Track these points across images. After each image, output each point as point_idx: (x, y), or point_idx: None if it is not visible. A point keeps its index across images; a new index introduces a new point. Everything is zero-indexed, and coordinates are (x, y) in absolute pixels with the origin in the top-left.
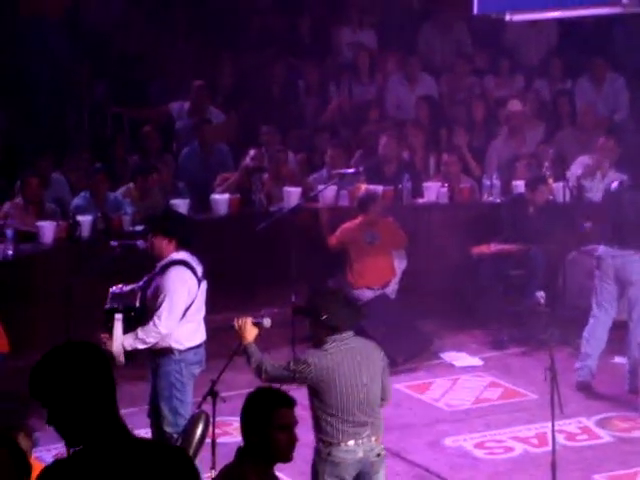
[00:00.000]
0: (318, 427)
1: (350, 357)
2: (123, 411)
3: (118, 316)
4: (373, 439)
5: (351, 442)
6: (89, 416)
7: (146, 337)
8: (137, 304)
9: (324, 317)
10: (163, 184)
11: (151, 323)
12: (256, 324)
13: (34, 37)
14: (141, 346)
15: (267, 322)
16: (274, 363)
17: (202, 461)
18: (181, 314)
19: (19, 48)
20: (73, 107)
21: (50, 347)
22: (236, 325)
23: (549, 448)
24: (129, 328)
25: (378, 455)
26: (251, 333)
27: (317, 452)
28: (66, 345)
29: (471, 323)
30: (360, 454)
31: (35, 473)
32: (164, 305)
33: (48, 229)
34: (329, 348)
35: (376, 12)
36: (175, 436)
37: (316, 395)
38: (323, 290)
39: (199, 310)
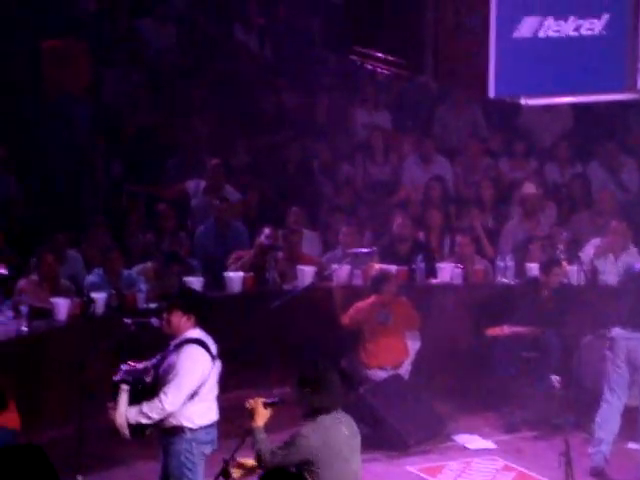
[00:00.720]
0: None
1: (340, 430)
2: None
3: (124, 387)
4: None
5: None
6: None
7: (150, 412)
8: (148, 379)
9: (323, 393)
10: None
11: (157, 399)
12: (269, 404)
13: (56, 112)
14: (144, 421)
15: (282, 401)
16: (273, 448)
17: None
18: (189, 393)
19: (40, 124)
20: (89, 184)
21: (61, 423)
22: (248, 406)
23: None
24: (137, 402)
25: None
26: (262, 416)
27: None
28: (13, 448)
29: (484, 405)
30: None
31: None
32: (173, 382)
33: (62, 306)
34: (323, 420)
35: (392, 92)
36: None
37: (311, 470)
38: (322, 363)
39: (212, 389)
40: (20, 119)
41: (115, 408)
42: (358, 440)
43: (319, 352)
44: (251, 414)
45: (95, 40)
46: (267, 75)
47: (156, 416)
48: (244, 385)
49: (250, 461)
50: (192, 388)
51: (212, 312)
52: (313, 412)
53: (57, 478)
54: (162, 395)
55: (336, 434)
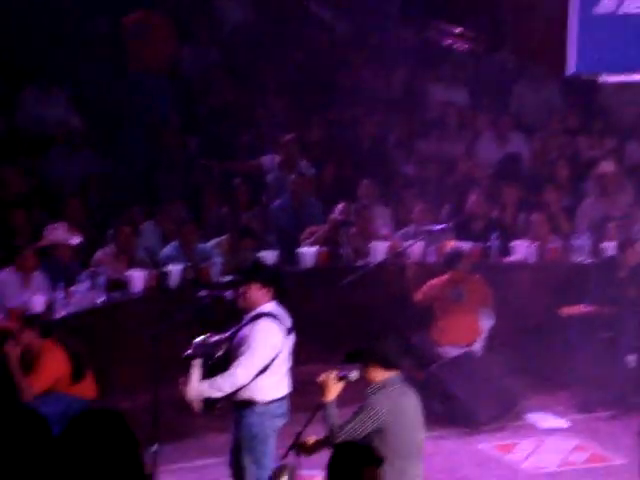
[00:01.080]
0: None
1: (407, 401)
2: (204, 462)
3: (196, 362)
4: None
5: None
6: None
7: (222, 385)
8: (220, 354)
9: (389, 367)
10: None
11: (229, 372)
12: (342, 378)
13: (136, 87)
14: (217, 394)
15: (354, 375)
16: (342, 422)
17: None
18: (261, 366)
19: (118, 99)
20: (166, 158)
21: (135, 394)
22: (319, 381)
23: None
24: (209, 376)
25: None
26: (333, 390)
27: None
28: (95, 411)
29: (558, 384)
30: None
31: None
32: (246, 356)
33: (138, 278)
34: (390, 392)
35: (469, 69)
36: None
37: (380, 439)
38: (389, 338)
39: (284, 362)
40: (100, 93)
41: (187, 383)
42: (421, 414)
43: (390, 328)
44: (322, 389)
45: (174, 16)
46: (343, 50)
47: (228, 389)
48: (315, 359)
49: (316, 439)
50: (264, 361)
51: (287, 286)
52: (380, 385)
53: (138, 444)
54: (234, 368)
55: (404, 404)
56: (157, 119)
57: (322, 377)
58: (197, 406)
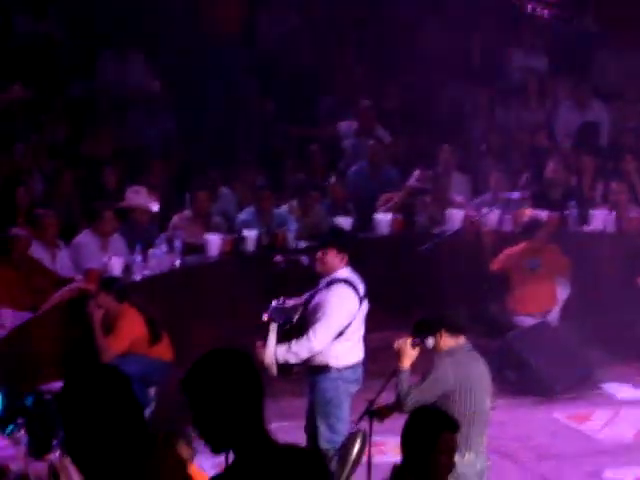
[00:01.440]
0: None
1: (475, 366)
2: (279, 425)
3: (273, 326)
4: (484, 451)
5: (472, 455)
6: (236, 423)
7: (298, 350)
8: (296, 319)
9: (448, 322)
10: (331, 201)
11: (305, 337)
12: (418, 344)
13: (211, 52)
14: (293, 359)
15: (430, 342)
16: (409, 390)
17: (358, 478)
18: (337, 332)
19: (196, 63)
20: (243, 122)
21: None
22: (395, 347)
23: None
24: (285, 341)
25: (487, 468)
26: (408, 357)
27: None
28: (221, 350)
29: (635, 355)
30: (478, 466)
31: None
32: (321, 321)
33: (214, 242)
34: (459, 357)
35: (549, 35)
36: (331, 452)
37: (447, 404)
38: (456, 308)
39: (358, 329)
40: (178, 56)
41: (264, 347)
42: (489, 381)
43: (466, 297)
44: (398, 355)
45: None
46: (422, 15)
47: (304, 354)
48: (390, 326)
49: (386, 404)
50: (340, 327)
51: (360, 253)
52: (448, 352)
53: (262, 387)
54: (310, 333)
55: (471, 371)
56: (233, 81)
57: (398, 343)
58: (273, 370)
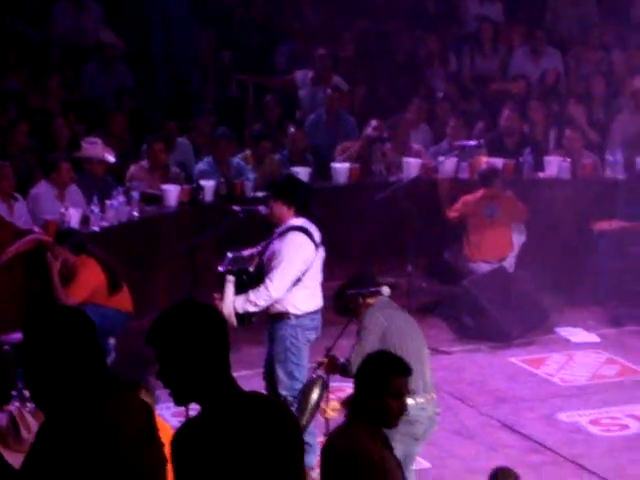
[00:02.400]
0: None
1: (398, 311)
2: (239, 374)
3: (230, 278)
4: (435, 396)
5: (422, 399)
6: (203, 375)
7: (256, 299)
8: (252, 269)
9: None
10: (289, 151)
11: (263, 286)
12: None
13: (165, 3)
14: (252, 309)
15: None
16: (350, 356)
17: (316, 425)
18: (294, 279)
19: (150, 13)
20: (199, 73)
21: (168, 307)
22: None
23: None
24: (242, 291)
25: (437, 413)
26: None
27: None
28: (189, 303)
29: (589, 299)
30: (430, 411)
31: (160, 430)
32: (278, 269)
33: (172, 192)
34: (380, 303)
35: None
36: (291, 399)
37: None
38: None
39: (316, 276)
40: (133, 7)
41: (221, 299)
42: (417, 326)
43: (422, 245)
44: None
45: None
46: None
47: (263, 303)
48: (347, 274)
49: (336, 404)
50: (296, 274)
51: (317, 203)
52: (373, 306)
53: (227, 339)
54: (268, 282)
55: (395, 313)
56: (187, 32)
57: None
58: (233, 321)
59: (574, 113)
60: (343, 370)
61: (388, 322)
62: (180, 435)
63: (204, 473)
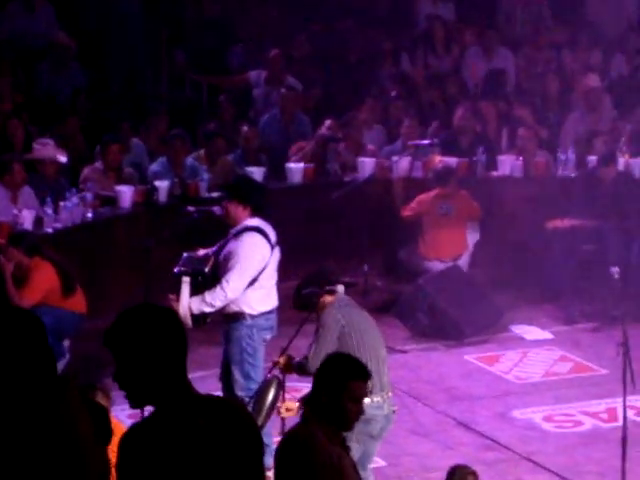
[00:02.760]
0: None
1: (357, 309)
2: (194, 375)
3: (185, 279)
4: (391, 395)
5: (378, 398)
6: (160, 378)
7: (213, 300)
8: (208, 269)
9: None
10: (243, 151)
11: (219, 287)
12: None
13: (115, 3)
14: (208, 309)
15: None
16: (308, 354)
17: (272, 425)
18: (249, 280)
19: (101, 11)
20: (151, 73)
21: (126, 309)
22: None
23: (619, 424)
24: (198, 292)
25: (393, 412)
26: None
27: None
28: (147, 305)
29: (543, 297)
30: (385, 410)
31: (115, 431)
32: (234, 270)
33: (126, 194)
34: (336, 302)
35: None
36: (247, 400)
37: (344, 341)
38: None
39: (271, 276)
40: (84, 8)
41: (177, 300)
42: (374, 325)
43: (377, 244)
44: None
45: None
46: None
47: (219, 303)
48: (303, 274)
49: (294, 404)
50: (252, 274)
51: (271, 202)
52: (330, 304)
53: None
54: (224, 282)
55: (353, 311)
56: (138, 32)
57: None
58: (188, 322)
59: (521, 115)
60: (299, 369)
61: (346, 320)
62: (127, 437)
63: (148, 475)
